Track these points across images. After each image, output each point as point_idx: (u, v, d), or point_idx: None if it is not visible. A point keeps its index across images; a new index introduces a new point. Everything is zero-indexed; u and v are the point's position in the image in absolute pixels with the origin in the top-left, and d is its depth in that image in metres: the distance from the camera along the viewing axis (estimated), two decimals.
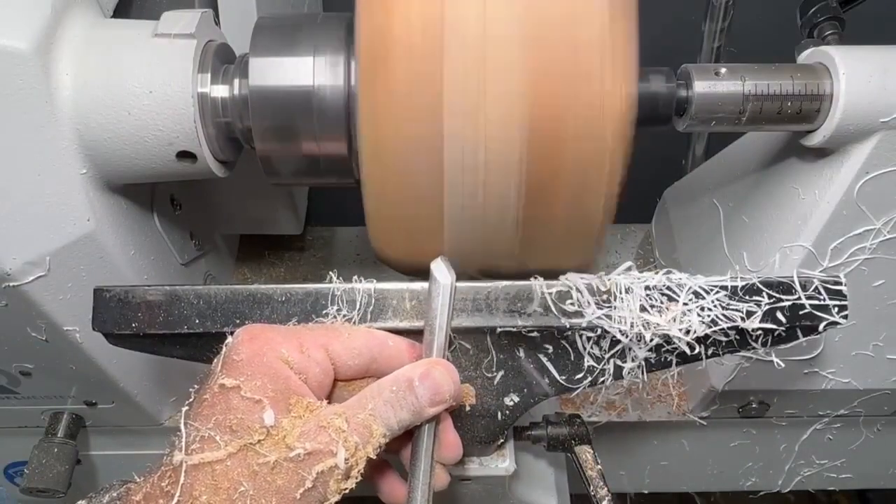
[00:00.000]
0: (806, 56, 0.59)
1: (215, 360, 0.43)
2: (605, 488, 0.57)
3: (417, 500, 0.44)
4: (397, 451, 0.49)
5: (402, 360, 0.46)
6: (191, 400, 0.43)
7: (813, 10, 0.64)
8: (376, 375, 0.46)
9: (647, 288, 0.49)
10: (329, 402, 0.44)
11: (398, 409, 0.43)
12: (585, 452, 0.59)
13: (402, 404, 0.43)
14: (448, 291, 0.45)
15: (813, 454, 0.86)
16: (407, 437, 0.46)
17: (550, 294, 0.49)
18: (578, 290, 0.48)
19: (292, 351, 0.43)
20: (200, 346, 0.50)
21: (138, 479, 0.42)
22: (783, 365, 0.56)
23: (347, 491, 0.41)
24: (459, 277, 0.50)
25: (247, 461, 0.39)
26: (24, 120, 0.50)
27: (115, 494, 0.42)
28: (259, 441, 0.40)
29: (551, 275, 0.50)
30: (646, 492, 0.94)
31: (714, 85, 0.55)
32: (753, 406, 0.77)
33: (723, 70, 0.55)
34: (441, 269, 0.45)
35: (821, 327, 0.50)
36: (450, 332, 0.46)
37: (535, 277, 0.49)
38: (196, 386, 0.43)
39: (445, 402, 0.45)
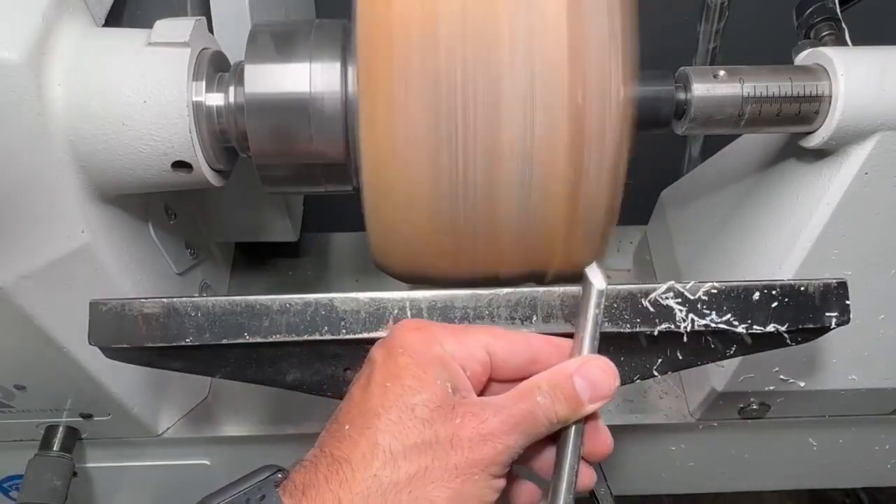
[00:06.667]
0: (803, 57, 0.59)
1: (375, 345, 0.45)
2: (606, 488, 0.57)
3: (562, 499, 0.44)
4: (530, 459, 0.48)
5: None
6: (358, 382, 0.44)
7: (809, 10, 0.63)
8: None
9: (646, 293, 0.48)
10: None
11: (556, 402, 0.43)
12: None
13: (559, 398, 0.43)
14: (603, 296, 0.46)
15: (814, 454, 0.86)
16: (545, 442, 0.46)
17: (552, 301, 0.49)
18: (579, 298, 0.48)
19: (455, 346, 0.44)
20: (199, 358, 0.49)
21: None
22: (784, 378, 0.56)
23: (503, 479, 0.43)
24: (459, 285, 0.50)
25: None
26: (15, 132, 0.49)
27: None
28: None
29: (552, 281, 0.50)
30: (646, 493, 0.94)
31: (713, 87, 0.55)
32: (754, 407, 0.77)
33: (721, 72, 0.55)
34: (596, 274, 0.46)
35: (823, 329, 0.49)
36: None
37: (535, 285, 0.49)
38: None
39: (605, 397, 0.44)
